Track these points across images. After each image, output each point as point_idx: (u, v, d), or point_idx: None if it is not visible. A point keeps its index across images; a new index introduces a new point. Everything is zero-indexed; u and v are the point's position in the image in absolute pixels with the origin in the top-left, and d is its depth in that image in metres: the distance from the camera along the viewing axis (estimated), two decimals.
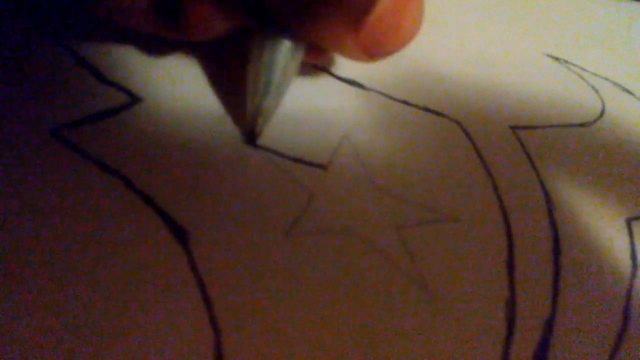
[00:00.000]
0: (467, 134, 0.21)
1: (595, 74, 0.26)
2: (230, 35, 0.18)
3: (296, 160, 0.18)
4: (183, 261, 0.15)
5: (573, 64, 0.27)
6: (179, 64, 0.20)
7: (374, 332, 0.15)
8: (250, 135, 0.18)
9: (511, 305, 0.17)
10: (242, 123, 0.18)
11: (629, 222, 0.20)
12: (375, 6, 0.15)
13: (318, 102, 0.20)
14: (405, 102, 0.21)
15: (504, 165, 0.20)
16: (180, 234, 0.15)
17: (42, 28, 0.19)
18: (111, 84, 0.18)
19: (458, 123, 0.21)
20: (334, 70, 0.21)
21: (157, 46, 0.20)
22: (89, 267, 0.14)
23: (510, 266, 0.18)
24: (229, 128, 0.18)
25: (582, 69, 0.26)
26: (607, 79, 0.26)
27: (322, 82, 0.21)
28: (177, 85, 0.19)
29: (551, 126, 0.23)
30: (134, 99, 0.18)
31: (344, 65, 0.21)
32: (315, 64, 0.21)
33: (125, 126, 0.17)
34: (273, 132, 0.19)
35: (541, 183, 0.20)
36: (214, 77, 0.20)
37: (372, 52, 0.16)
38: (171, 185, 0.16)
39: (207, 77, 0.20)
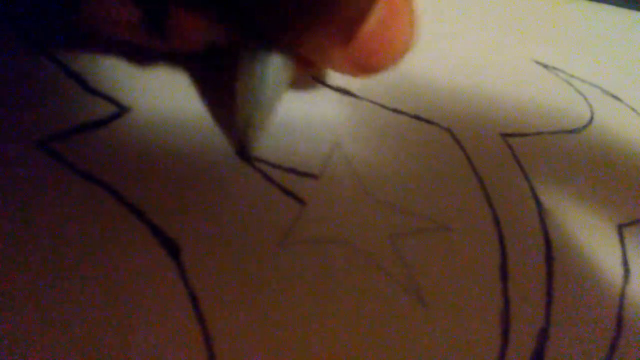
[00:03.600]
0: (458, 142, 0.21)
1: (584, 81, 0.26)
2: (219, 46, 0.17)
3: (287, 169, 0.18)
4: (175, 275, 0.15)
5: (561, 71, 0.27)
6: (167, 74, 0.19)
7: (368, 342, 0.15)
8: (242, 149, 0.18)
9: (505, 314, 0.17)
10: (233, 136, 0.18)
11: (620, 229, 0.20)
12: (366, 20, 0.14)
13: (309, 111, 0.20)
14: (397, 111, 0.21)
15: (495, 172, 0.20)
16: (171, 248, 0.15)
17: (26, 37, 0.19)
18: (98, 94, 0.18)
19: (449, 131, 0.21)
20: (325, 78, 0.21)
21: (145, 56, 0.19)
22: (78, 282, 0.14)
23: (504, 274, 0.17)
24: (219, 139, 0.18)
25: (571, 75, 0.27)
26: (595, 86, 0.26)
27: (313, 91, 0.21)
28: (166, 95, 0.19)
29: (541, 133, 0.23)
30: (122, 109, 0.18)
31: (335, 74, 0.21)
32: (306, 74, 0.21)
33: (113, 137, 0.17)
34: (264, 141, 0.18)
35: (532, 190, 0.20)
36: (202, 86, 0.19)
37: (361, 66, 0.15)
38: (161, 197, 0.16)
39: (196, 87, 0.19)
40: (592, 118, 0.25)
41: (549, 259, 0.18)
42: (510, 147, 0.22)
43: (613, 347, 0.17)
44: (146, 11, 0.15)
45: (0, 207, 0.15)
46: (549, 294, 0.17)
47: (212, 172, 0.17)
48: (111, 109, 0.18)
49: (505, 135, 0.22)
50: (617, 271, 0.19)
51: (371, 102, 0.21)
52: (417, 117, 0.21)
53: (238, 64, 0.16)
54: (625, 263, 0.19)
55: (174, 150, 0.17)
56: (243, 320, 0.14)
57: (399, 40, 0.15)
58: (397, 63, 0.16)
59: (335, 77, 0.21)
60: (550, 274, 0.18)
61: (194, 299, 0.14)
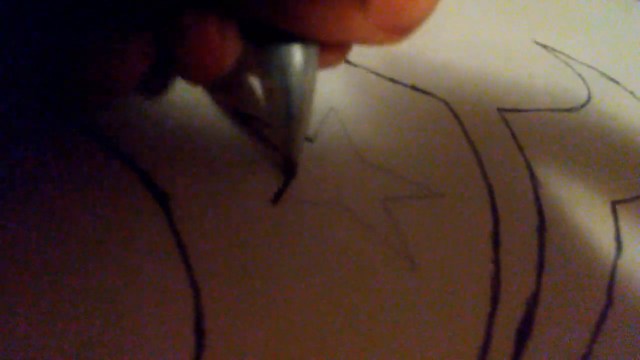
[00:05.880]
0: (454, 113, 0.21)
1: (582, 63, 0.26)
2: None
3: None
4: (164, 224, 0.15)
5: (561, 52, 0.27)
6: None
7: (357, 302, 0.15)
8: (290, 168, 0.17)
9: (496, 280, 0.16)
10: (273, 156, 0.17)
11: (614, 205, 0.20)
12: None
13: None
14: (393, 80, 0.21)
15: (490, 144, 0.20)
16: (161, 197, 0.15)
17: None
18: None
19: (445, 102, 0.21)
20: None
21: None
22: (68, 228, 0.14)
23: (495, 241, 0.17)
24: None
25: (570, 57, 0.26)
26: (593, 68, 0.26)
27: None
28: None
29: (538, 110, 0.23)
30: None
31: None
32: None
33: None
34: (257, 103, 0.18)
35: (527, 163, 0.20)
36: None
37: (387, 27, 0.13)
38: (152, 146, 0.16)
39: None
40: (589, 99, 0.25)
41: (542, 228, 0.18)
42: (506, 121, 0.22)
43: (603, 317, 0.17)
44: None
45: None
46: (540, 263, 0.17)
47: (205, 125, 0.17)
48: None
49: (502, 110, 0.22)
50: (609, 245, 0.19)
51: (367, 70, 0.21)
52: (414, 88, 0.21)
53: (260, 76, 0.15)
54: (618, 238, 0.19)
55: (165, 100, 0.17)
56: (230, 270, 0.14)
57: None
58: (426, 17, 0.14)
59: None
60: (542, 243, 0.18)
61: (182, 248, 0.14)
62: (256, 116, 0.18)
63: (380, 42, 0.14)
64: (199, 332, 0.13)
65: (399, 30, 0.14)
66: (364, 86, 0.20)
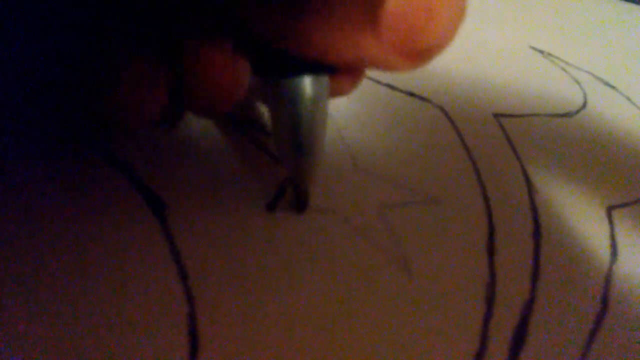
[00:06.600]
0: (450, 119, 0.21)
1: (578, 68, 0.27)
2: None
3: None
4: (158, 233, 0.15)
5: (556, 57, 0.27)
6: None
7: (353, 310, 0.15)
8: (301, 202, 0.16)
9: (491, 286, 0.17)
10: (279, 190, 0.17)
11: (609, 210, 0.20)
12: None
13: None
14: (390, 86, 0.21)
15: (486, 150, 0.20)
16: (156, 206, 0.15)
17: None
18: None
19: (441, 108, 0.21)
20: None
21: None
22: (64, 235, 0.14)
23: (491, 247, 0.17)
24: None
25: (565, 62, 0.27)
26: (589, 73, 0.26)
27: None
28: None
29: (534, 115, 0.23)
30: None
31: None
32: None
33: None
34: (256, 110, 0.18)
35: (522, 168, 0.20)
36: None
37: (403, 49, 0.12)
38: (149, 154, 0.16)
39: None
40: (585, 104, 0.25)
41: (537, 235, 0.18)
42: (502, 127, 0.22)
43: (598, 323, 0.17)
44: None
45: None
46: (535, 269, 0.17)
47: (200, 134, 0.17)
48: None
49: (497, 116, 0.22)
50: (604, 251, 0.19)
51: (365, 76, 0.21)
52: (411, 94, 0.21)
53: (269, 107, 0.15)
54: (613, 243, 0.19)
55: None
56: (225, 280, 0.14)
57: (442, 9, 0.12)
58: (447, 41, 0.13)
59: None
60: (537, 250, 0.18)
61: (177, 257, 0.14)
62: (252, 123, 0.18)
63: (396, 67, 0.13)
64: (193, 340, 0.13)
65: (416, 53, 0.12)
66: (361, 92, 0.20)
